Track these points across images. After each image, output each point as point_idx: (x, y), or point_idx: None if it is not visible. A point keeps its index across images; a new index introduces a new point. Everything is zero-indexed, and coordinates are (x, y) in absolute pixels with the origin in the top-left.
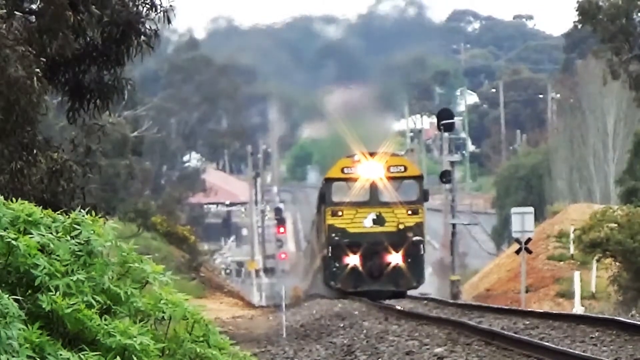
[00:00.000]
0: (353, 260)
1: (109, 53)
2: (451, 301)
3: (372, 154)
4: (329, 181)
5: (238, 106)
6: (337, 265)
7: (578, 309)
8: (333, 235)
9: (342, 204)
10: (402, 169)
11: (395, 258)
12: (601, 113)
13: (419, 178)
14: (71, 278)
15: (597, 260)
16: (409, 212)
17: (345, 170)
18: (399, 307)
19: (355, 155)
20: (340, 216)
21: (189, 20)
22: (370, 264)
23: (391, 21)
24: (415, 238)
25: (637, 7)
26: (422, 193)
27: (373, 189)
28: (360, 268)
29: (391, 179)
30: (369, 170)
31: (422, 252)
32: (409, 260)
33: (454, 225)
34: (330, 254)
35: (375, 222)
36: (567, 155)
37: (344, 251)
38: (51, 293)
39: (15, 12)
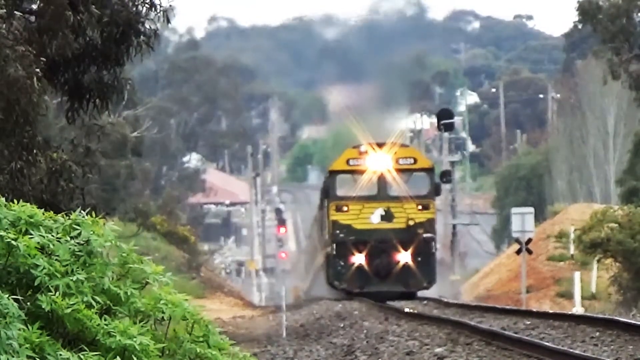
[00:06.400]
0: (359, 259)
1: (109, 53)
2: (451, 301)
3: (379, 145)
4: (333, 174)
5: (238, 106)
6: (342, 264)
7: (578, 309)
8: (337, 232)
9: (347, 199)
10: (412, 160)
11: (404, 257)
12: (601, 113)
13: (429, 171)
14: (71, 278)
15: (598, 261)
16: (419, 207)
17: (351, 162)
18: (407, 309)
19: (362, 146)
20: (345, 211)
21: (189, 20)
22: (378, 262)
23: (391, 21)
24: (425, 235)
25: (637, 7)
26: (434, 187)
27: (381, 182)
28: (366, 267)
29: (400, 171)
30: (377, 162)
31: (433, 250)
32: (419, 259)
33: (454, 226)
34: (334, 252)
35: (383, 217)
36: (567, 155)
37: (349, 249)
38: (51, 293)
39: (15, 12)
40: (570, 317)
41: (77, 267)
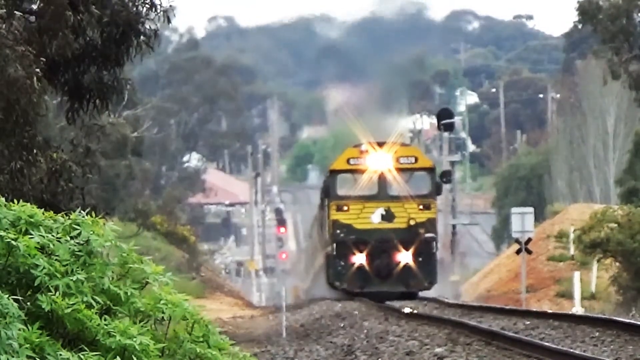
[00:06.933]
0: (360, 259)
1: (109, 53)
2: (451, 301)
3: (380, 144)
4: (333, 173)
5: (238, 106)
6: (343, 264)
7: (578, 309)
8: (338, 231)
9: (348, 198)
10: (413, 160)
11: (405, 257)
12: (601, 113)
13: (430, 170)
14: (71, 278)
15: (598, 261)
16: (420, 207)
17: (352, 161)
18: (407, 310)
19: (363, 145)
20: (345, 211)
21: (189, 20)
22: (378, 263)
23: (391, 21)
24: (427, 235)
25: (637, 7)
26: (435, 186)
27: (381, 181)
28: (367, 267)
29: (401, 170)
30: (377, 161)
31: (434, 251)
32: (420, 259)
33: (454, 226)
34: (334, 252)
35: (383, 217)
36: (567, 155)
37: (350, 249)
38: (51, 293)
39: (15, 12)
40: (570, 317)
41: (77, 267)
